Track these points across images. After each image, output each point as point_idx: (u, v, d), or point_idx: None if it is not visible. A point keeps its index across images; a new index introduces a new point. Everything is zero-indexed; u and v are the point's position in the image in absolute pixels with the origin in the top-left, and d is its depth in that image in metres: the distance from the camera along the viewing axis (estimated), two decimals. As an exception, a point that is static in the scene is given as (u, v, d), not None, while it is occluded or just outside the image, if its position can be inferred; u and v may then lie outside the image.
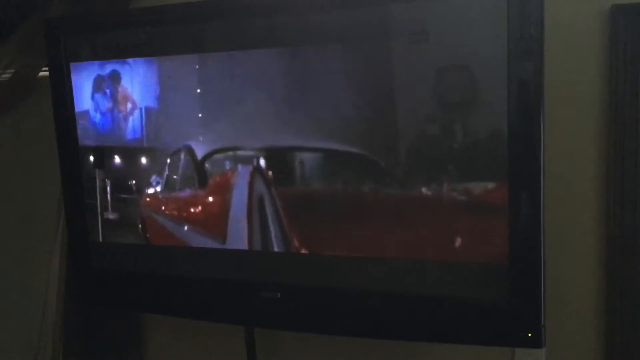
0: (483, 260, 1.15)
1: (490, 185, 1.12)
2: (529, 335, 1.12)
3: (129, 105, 1.43)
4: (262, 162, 1.29)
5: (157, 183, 1.42)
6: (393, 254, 1.22)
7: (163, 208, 1.42)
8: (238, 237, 1.34)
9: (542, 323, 1.11)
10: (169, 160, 1.40)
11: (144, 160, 1.43)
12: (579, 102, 1.29)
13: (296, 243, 1.28)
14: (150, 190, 1.43)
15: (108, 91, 1.44)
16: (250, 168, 1.30)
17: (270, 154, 1.29)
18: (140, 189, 1.44)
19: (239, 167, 1.32)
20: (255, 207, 1.31)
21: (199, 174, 1.37)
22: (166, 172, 1.41)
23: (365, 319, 1.26)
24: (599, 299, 1.33)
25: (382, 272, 1.23)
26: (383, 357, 1.49)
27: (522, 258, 1.11)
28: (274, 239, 1.30)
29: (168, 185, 1.41)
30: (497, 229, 1.11)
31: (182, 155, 1.38)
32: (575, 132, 1.30)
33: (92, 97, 1.45)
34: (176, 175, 1.40)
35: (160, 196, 1.42)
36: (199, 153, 1.36)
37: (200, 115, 1.35)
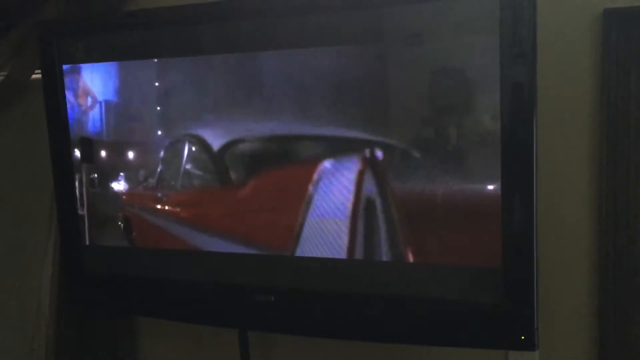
0: (476, 263, 1.15)
1: (483, 187, 1.12)
2: (523, 338, 1.12)
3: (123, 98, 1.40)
4: (374, 155, 1.16)
5: (149, 179, 1.40)
6: (387, 258, 1.22)
7: (163, 207, 1.39)
8: (324, 244, 1.23)
9: (536, 326, 1.11)
10: (162, 154, 1.37)
11: (136, 155, 1.41)
12: (572, 105, 1.30)
13: (409, 252, 1.19)
14: (146, 189, 1.41)
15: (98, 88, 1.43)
16: (357, 163, 1.18)
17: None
18: (131, 187, 1.42)
19: (328, 162, 1.20)
20: (361, 210, 1.19)
21: (223, 168, 1.29)
22: (159, 167, 1.38)
23: (360, 322, 1.26)
24: (592, 302, 1.34)
25: (377, 276, 1.23)
26: (377, 359, 1.49)
27: (515, 261, 1.11)
28: (382, 248, 1.19)
29: (165, 182, 1.38)
30: (490, 232, 1.12)
31: (186, 147, 1.34)
32: (568, 135, 1.31)
33: (85, 97, 1.45)
34: (176, 170, 1.35)
35: (160, 194, 1.39)
36: (217, 143, 1.28)
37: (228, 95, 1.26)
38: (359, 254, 1.23)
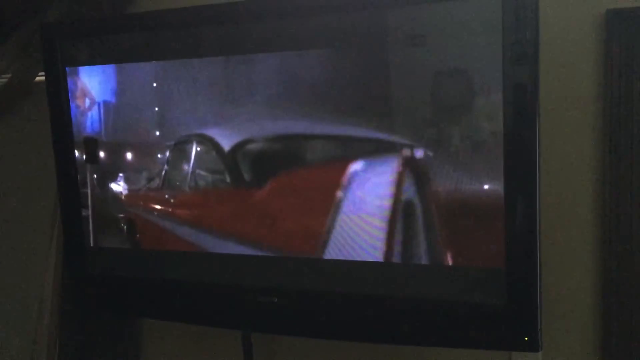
0: (480, 264, 1.15)
1: (487, 189, 1.12)
2: (526, 339, 1.12)
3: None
4: (409, 154, 1.14)
5: (155, 181, 1.39)
6: (396, 260, 1.21)
7: (169, 208, 1.38)
8: (358, 247, 1.21)
9: (539, 327, 1.11)
10: (169, 155, 1.36)
11: (140, 157, 1.40)
12: (574, 105, 1.30)
13: (449, 255, 1.16)
14: (152, 190, 1.40)
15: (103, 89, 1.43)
16: (396, 163, 1.16)
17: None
18: (136, 188, 1.42)
19: (363, 163, 1.18)
20: (399, 211, 1.17)
21: (235, 169, 1.27)
22: (165, 168, 1.37)
23: (363, 323, 1.26)
24: (596, 303, 1.33)
25: (381, 277, 1.23)
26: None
27: (518, 262, 1.11)
28: (422, 251, 1.17)
29: (172, 183, 1.37)
30: (494, 233, 1.12)
31: (195, 148, 1.32)
32: (571, 135, 1.31)
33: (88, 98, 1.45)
34: (184, 171, 1.34)
35: (166, 195, 1.38)
36: (228, 143, 1.27)
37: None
38: (371, 257, 1.23)
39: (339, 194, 1.22)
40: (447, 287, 1.18)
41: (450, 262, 1.17)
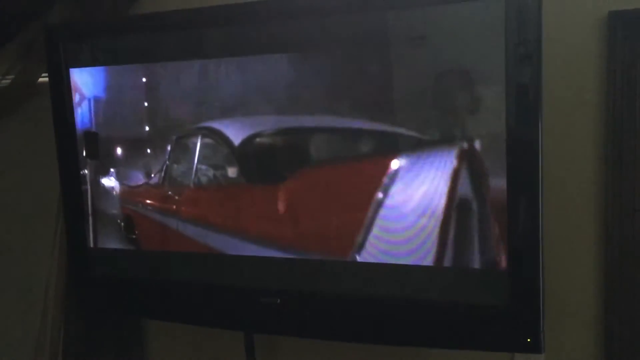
0: (482, 265, 1.15)
1: (489, 189, 1.12)
2: (529, 340, 1.12)
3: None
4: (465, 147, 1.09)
5: (159, 180, 1.39)
6: (405, 261, 1.21)
7: (174, 207, 1.36)
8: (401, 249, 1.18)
9: (542, 328, 1.11)
10: (174, 152, 1.34)
11: (144, 156, 1.39)
12: (577, 107, 1.30)
13: (501, 260, 1.12)
14: (156, 189, 1.39)
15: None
16: (453, 156, 1.11)
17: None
18: (140, 188, 1.42)
19: (416, 157, 1.14)
20: (453, 210, 1.13)
21: (246, 164, 1.23)
22: (166, 163, 1.36)
23: (366, 325, 1.26)
24: (598, 304, 1.33)
25: (383, 278, 1.23)
26: (382, 362, 1.49)
27: (521, 263, 1.11)
28: (476, 253, 1.13)
29: (175, 181, 1.36)
30: (496, 234, 1.12)
31: (199, 142, 1.30)
32: (573, 136, 1.31)
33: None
34: (188, 168, 1.33)
35: (170, 193, 1.36)
36: (238, 136, 1.24)
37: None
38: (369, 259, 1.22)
39: (359, 193, 1.20)
40: (449, 288, 1.18)
41: (454, 263, 1.17)
